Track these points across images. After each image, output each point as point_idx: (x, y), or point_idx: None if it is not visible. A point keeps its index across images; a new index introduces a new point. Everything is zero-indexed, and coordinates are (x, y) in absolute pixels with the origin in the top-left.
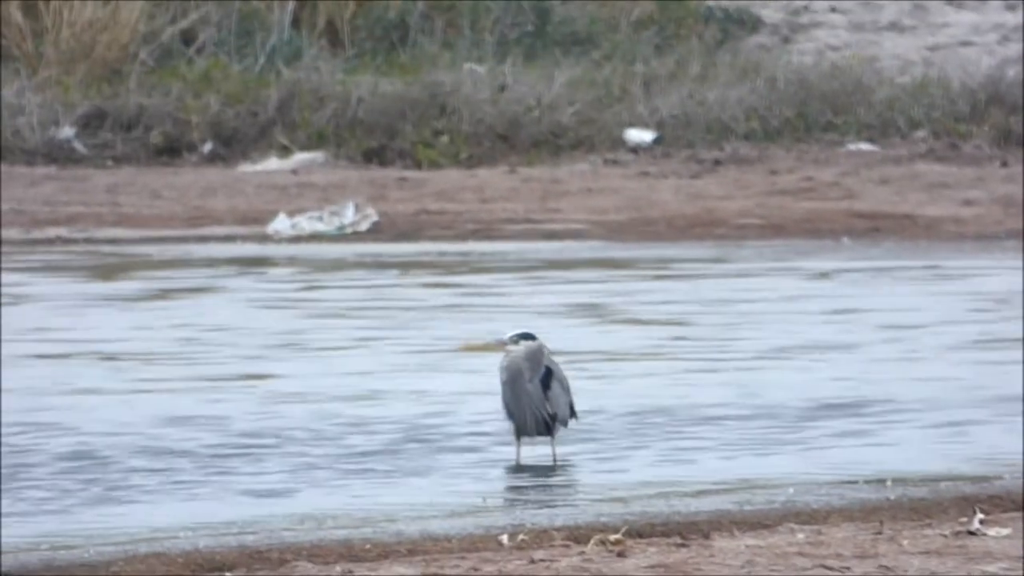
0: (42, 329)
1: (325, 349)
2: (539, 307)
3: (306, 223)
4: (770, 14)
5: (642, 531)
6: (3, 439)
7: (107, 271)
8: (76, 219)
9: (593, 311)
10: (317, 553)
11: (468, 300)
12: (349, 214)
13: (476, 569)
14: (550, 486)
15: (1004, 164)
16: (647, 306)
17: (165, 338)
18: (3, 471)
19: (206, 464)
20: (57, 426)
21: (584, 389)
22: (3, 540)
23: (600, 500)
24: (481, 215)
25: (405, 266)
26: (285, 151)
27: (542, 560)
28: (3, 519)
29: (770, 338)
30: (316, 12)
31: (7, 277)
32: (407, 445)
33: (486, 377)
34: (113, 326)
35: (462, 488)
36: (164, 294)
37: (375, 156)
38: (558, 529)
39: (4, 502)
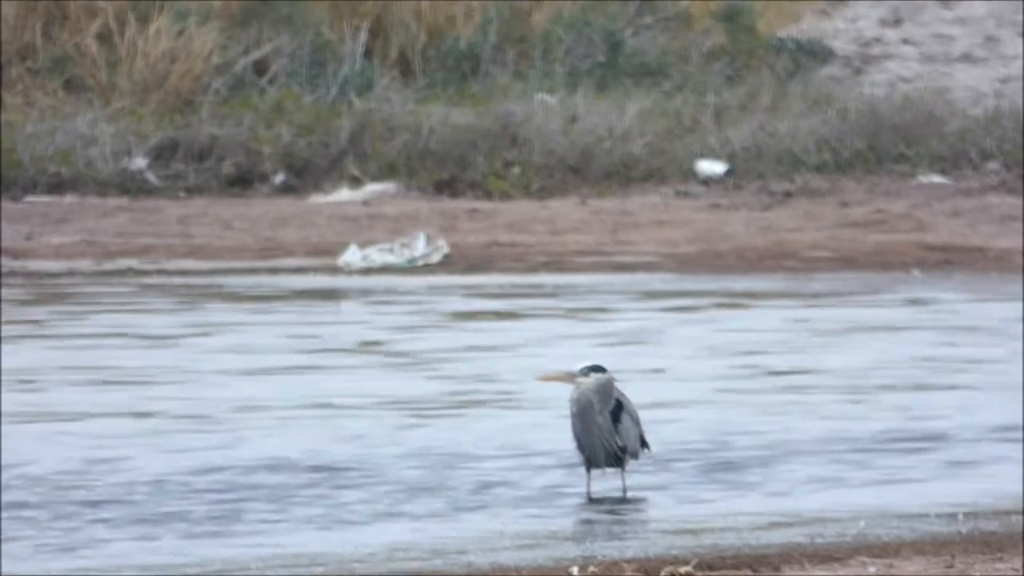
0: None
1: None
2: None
3: (377, 255)
4: (842, 45)
5: (712, 564)
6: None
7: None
8: (148, 250)
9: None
10: None
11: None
12: (420, 246)
13: None
14: (620, 518)
15: None
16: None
17: None
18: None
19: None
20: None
21: (655, 419)
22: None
23: (671, 532)
24: (552, 247)
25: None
26: (356, 182)
27: None
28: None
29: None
30: (388, 43)
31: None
32: (482, 476)
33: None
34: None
35: (533, 520)
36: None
37: (446, 187)
38: (628, 561)
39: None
